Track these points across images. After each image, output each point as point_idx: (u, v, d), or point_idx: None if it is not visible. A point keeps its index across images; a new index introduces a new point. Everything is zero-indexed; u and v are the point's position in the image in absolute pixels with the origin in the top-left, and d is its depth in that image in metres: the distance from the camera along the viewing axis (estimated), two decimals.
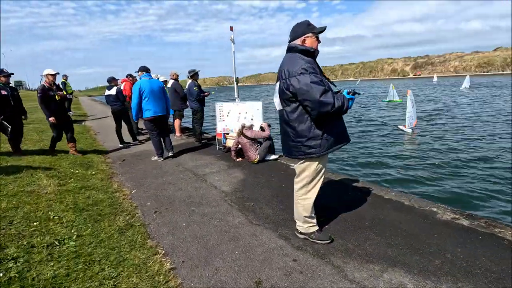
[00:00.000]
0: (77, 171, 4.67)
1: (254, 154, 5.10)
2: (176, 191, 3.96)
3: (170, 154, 5.72)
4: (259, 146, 5.21)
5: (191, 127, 8.93)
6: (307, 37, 2.20)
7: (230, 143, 5.67)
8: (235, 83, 5.83)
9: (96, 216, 3.05)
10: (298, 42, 2.23)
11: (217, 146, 6.44)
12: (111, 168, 5.25)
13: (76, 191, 3.75)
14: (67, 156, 5.63)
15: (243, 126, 5.27)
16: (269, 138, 5.22)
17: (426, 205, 3.19)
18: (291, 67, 2.12)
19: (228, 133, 5.73)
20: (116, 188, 4.07)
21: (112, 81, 7.21)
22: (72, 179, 4.20)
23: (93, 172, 4.75)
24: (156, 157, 5.63)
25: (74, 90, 21.66)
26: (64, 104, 5.83)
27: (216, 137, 6.37)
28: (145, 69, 5.49)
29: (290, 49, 2.26)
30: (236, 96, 5.83)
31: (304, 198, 2.46)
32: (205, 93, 7.07)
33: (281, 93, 2.24)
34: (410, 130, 10.96)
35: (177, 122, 7.91)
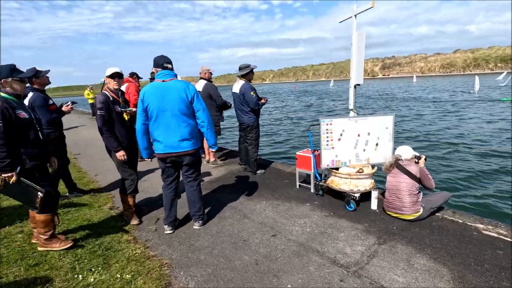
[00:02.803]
0: (93, 279, 2.15)
1: (413, 204, 2.95)
2: None
3: (197, 225, 3.10)
4: (420, 194, 3.06)
5: (225, 149, 6.55)
6: None
7: (338, 183, 3.44)
8: (351, 86, 3.52)
9: None
10: None
11: (297, 183, 4.15)
12: (151, 248, 2.75)
13: None
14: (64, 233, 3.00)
15: (398, 158, 3.12)
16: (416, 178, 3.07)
17: None
18: None
19: (337, 168, 3.48)
20: None
21: (34, 81, 3.49)
22: None
23: (128, 275, 2.26)
24: (165, 227, 3.04)
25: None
26: (133, 127, 3.09)
27: (297, 169, 4.08)
28: (160, 63, 2.76)
29: None
30: (351, 107, 3.56)
31: None
32: (263, 99, 4.75)
33: None
34: None
35: None
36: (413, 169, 3.04)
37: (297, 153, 4.04)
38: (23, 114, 2.30)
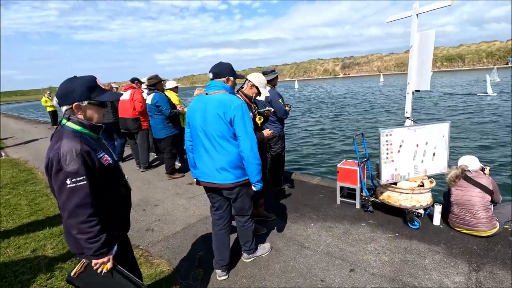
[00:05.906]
0: None
1: (490, 219, 2.73)
2: None
3: (244, 258, 2.70)
4: (492, 206, 2.85)
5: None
6: None
7: (398, 198, 3.14)
8: (408, 92, 3.20)
9: None
10: None
11: (338, 198, 3.79)
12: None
13: None
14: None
15: (464, 169, 2.87)
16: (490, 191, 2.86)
17: None
18: None
19: (396, 183, 3.17)
20: None
21: None
22: None
23: None
24: (218, 272, 2.49)
25: None
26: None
27: (338, 183, 3.72)
28: (219, 70, 2.25)
29: None
30: (409, 115, 3.25)
31: None
32: (287, 106, 4.32)
33: None
34: None
35: None
36: (484, 181, 2.82)
37: (338, 165, 3.67)
38: (106, 158, 1.44)
